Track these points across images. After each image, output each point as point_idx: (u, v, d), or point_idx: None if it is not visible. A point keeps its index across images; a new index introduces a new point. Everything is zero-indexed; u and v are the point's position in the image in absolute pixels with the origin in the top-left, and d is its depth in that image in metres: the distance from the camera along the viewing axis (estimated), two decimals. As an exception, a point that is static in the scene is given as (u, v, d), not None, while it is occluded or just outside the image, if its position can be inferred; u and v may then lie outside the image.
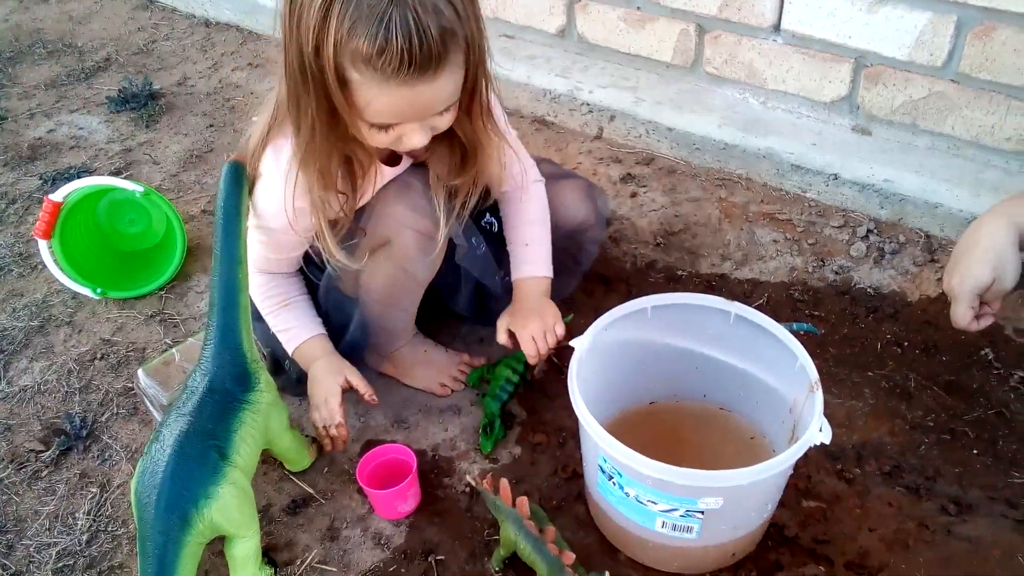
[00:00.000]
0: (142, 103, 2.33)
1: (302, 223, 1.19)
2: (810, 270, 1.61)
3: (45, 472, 1.38)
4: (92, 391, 1.51)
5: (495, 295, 1.43)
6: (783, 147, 1.79)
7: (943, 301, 1.23)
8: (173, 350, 1.39)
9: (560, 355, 1.48)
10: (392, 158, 1.24)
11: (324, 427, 1.29)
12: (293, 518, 1.28)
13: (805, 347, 1.13)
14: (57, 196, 1.61)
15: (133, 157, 2.14)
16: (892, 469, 1.26)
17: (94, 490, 1.34)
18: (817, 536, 1.18)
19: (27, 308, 1.70)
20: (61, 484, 1.36)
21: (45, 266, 1.70)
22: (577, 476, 1.28)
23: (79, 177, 2.03)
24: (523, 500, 1.14)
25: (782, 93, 1.87)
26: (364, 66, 0.95)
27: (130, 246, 1.81)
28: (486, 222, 1.43)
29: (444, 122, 1.09)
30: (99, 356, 1.57)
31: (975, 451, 1.27)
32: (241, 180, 1.18)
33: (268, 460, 1.34)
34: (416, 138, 1.07)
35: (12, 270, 1.80)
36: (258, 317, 1.34)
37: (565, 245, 1.46)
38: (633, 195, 1.84)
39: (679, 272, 1.64)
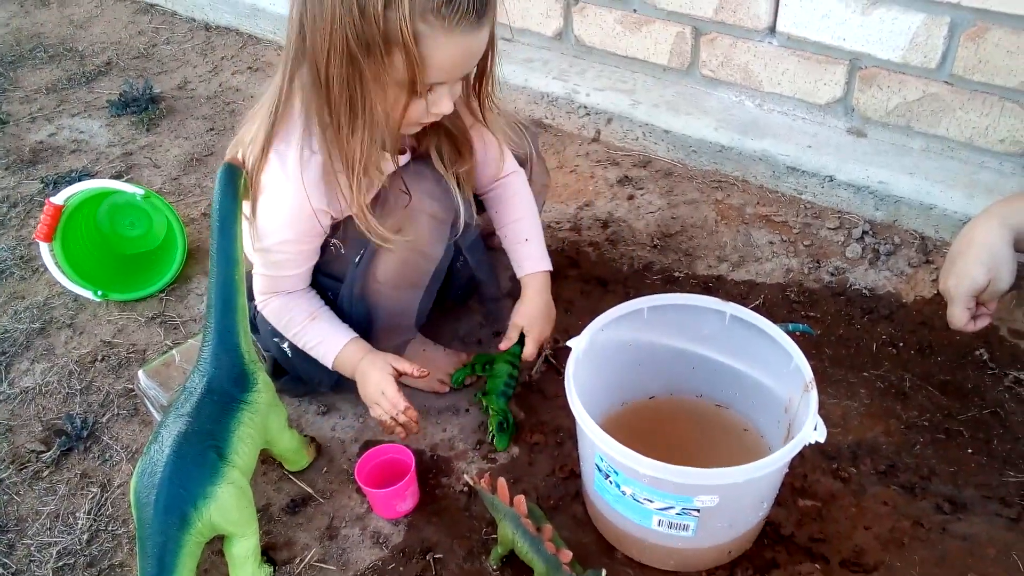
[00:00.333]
0: (143, 107, 2.34)
1: (324, 222, 1.22)
2: (806, 271, 1.62)
3: (46, 472, 1.39)
4: (93, 392, 1.52)
5: (483, 282, 1.48)
6: (779, 149, 1.80)
7: (938, 302, 1.24)
8: (173, 351, 1.40)
9: (557, 355, 1.50)
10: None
11: (392, 418, 1.27)
12: (292, 517, 1.29)
13: (801, 347, 1.14)
14: (58, 199, 1.63)
15: (134, 160, 2.16)
16: (887, 468, 1.26)
17: (95, 490, 1.35)
18: (813, 535, 1.19)
19: (28, 310, 1.71)
20: (62, 484, 1.37)
21: (46, 269, 1.72)
22: (574, 476, 1.29)
23: (80, 180, 2.04)
24: (520, 499, 1.14)
25: (777, 95, 1.88)
26: (433, 16, 1.00)
27: (131, 249, 1.82)
28: None
29: (459, 91, 1.16)
30: (100, 358, 1.59)
31: (970, 450, 1.28)
32: (236, 183, 1.18)
33: (267, 460, 1.35)
34: (445, 103, 1.12)
35: (14, 273, 1.81)
36: (274, 333, 1.35)
37: None
38: (630, 198, 1.85)
39: (676, 274, 1.65)
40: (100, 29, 2.88)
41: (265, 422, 1.20)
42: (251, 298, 1.33)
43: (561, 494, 1.28)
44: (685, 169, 1.92)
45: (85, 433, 1.43)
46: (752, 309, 1.21)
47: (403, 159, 1.27)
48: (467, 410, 1.43)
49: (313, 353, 1.31)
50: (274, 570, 1.21)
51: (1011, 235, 1.15)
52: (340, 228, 1.29)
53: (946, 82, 1.64)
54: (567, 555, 1.09)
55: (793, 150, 1.79)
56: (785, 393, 1.19)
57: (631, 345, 1.28)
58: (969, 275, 1.16)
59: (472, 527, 1.25)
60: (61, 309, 1.71)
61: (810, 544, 1.18)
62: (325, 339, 1.30)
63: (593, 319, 1.21)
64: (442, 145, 1.27)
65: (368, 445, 1.37)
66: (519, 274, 1.42)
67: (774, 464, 1.03)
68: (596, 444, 1.06)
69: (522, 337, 1.38)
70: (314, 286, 1.35)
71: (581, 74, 2.10)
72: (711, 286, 1.61)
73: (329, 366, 1.30)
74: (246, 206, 1.22)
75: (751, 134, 1.84)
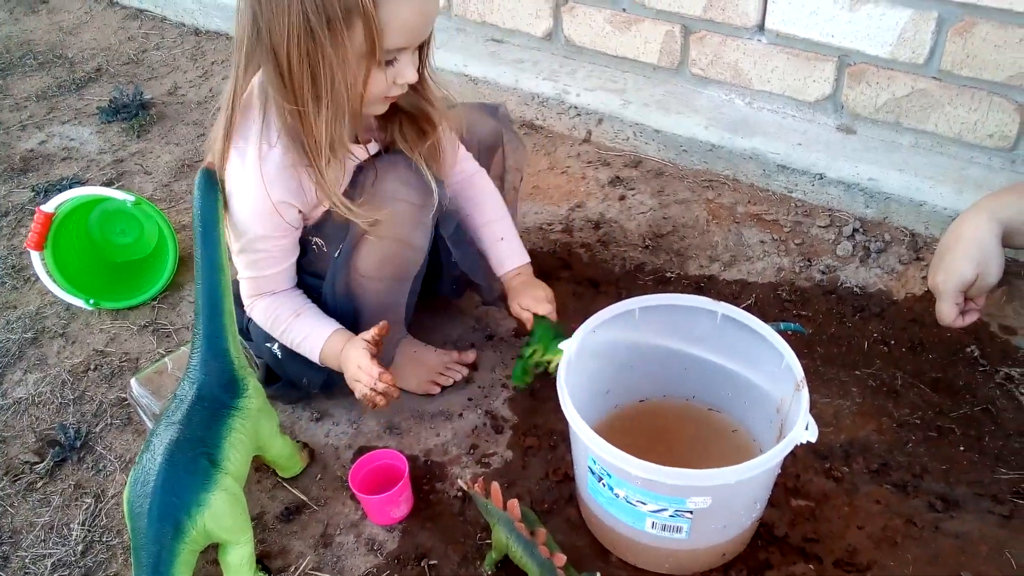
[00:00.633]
0: (133, 113, 2.34)
1: (289, 216, 1.22)
2: (797, 270, 1.62)
3: (40, 483, 1.39)
4: (86, 402, 1.52)
5: (479, 286, 1.50)
6: (769, 147, 1.80)
7: (928, 299, 1.24)
8: (166, 359, 1.40)
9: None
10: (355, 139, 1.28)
11: (371, 389, 1.24)
12: (287, 525, 1.29)
13: (792, 346, 1.14)
14: (49, 207, 1.62)
15: (125, 167, 2.15)
16: (880, 467, 1.27)
17: (88, 500, 1.35)
18: (806, 535, 1.19)
19: (20, 320, 1.71)
20: (56, 495, 1.37)
21: (38, 278, 1.71)
22: (568, 479, 1.30)
23: (71, 188, 2.04)
24: (514, 503, 1.14)
25: (767, 93, 1.88)
26: None
27: (122, 256, 1.82)
28: None
29: (417, 62, 1.17)
30: (92, 367, 1.58)
31: (962, 448, 1.29)
32: (215, 187, 1.19)
33: (261, 468, 1.35)
34: (410, 71, 1.14)
35: (5, 283, 1.81)
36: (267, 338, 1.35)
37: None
38: (622, 198, 1.85)
39: (668, 274, 1.65)
40: (90, 36, 2.88)
41: (256, 428, 1.20)
42: (240, 305, 1.34)
43: (555, 498, 1.28)
44: (676, 169, 1.92)
45: (78, 443, 1.43)
46: (744, 308, 1.22)
47: (371, 148, 1.28)
48: (460, 415, 1.43)
49: (301, 350, 1.32)
50: (269, 578, 1.21)
51: (999, 229, 1.14)
52: (320, 226, 1.29)
53: (934, 77, 1.64)
54: (561, 559, 1.09)
55: (783, 148, 1.79)
56: (777, 393, 1.19)
57: (623, 346, 1.28)
58: (957, 270, 1.15)
59: (466, 532, 1.25)
60: (53, 318, 1.71)
61: (803, 544, 1.18)
62: (310, 334, 1.30)
63: (585, 320, 1.21)
64: (404, 128, 1.29)
65: (362, 451, 1.37)
66: (500, 272, 1.44)
67: (765, 464, 1.03)
68: (588, 447, 1.06)
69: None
70: (301, 287, 1.36)
71: (571, 74, 2.10)
72: (703, 286, 1.61)
73: (317, 361, 1.31)
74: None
75: (741, 132, 1.84)
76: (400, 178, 1.26)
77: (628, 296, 1.39)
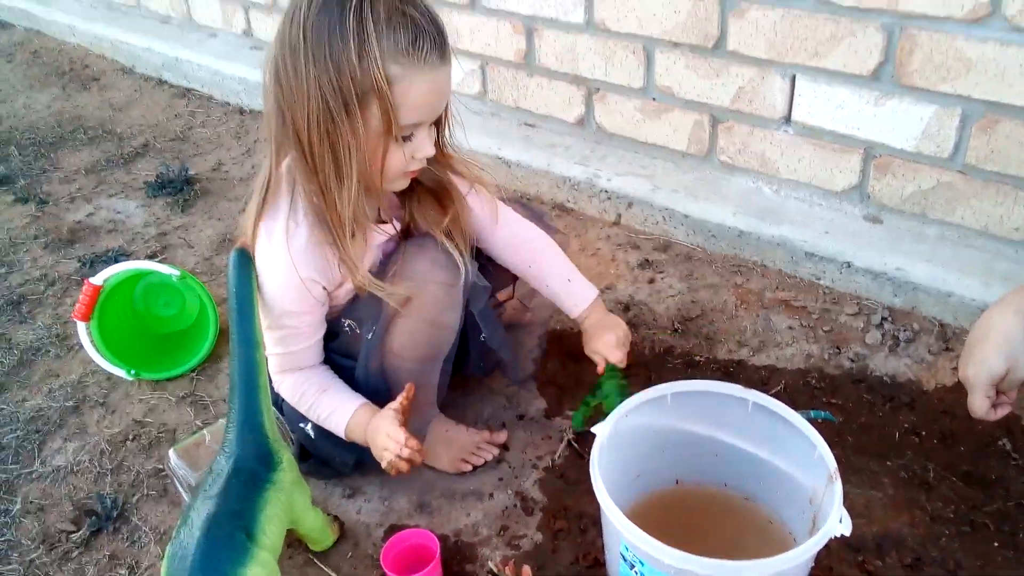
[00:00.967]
0: (178, 188, 2.43)
1: (315, 292, 1.27)
2: (826, 357, 1.64)
3: (75, 553, 1.41)
4: (123, 472, 1.55)
5: (506, 363, 1.54)
6: (796, 235, 1.84)
7: (959, 390, 1.25)
8: (204, 431, 1.43)
9: (580, 441, 1.51)
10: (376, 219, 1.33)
11: (396, 456, 1.25)
12: (317, 603, 1.30)
13: (823, 435, 1.15)
14: (97, 280, 1.68)
15: (168, 241, 2.22)
16: (913, 561, 1.26)
17: (123, 572, 1.36)
18: (839, 628, 1.18)
19: (63, 389, 1.75)
20: (91, 565, 1.38)
21: (81, 347, 1.76)
22: (599, 564, 1.30)
23: (116, 260, 2.11)
24: (545, 588, 1.15)
25: (794, 182, 1.93)
26: (403, 56, 1.10)
27: (164, 328, 1.87)
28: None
29: (434, 135, 1.24)
30: (131, 437, 1.62)
31: (996, 544, 1.27)
32: (249, 265, 1.24)
33: (292, 544, 1.36)
34: (428, 146, 1.20)
35: (49, 351, 1.86)
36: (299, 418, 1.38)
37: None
38: (651, 281, 1.89)
39: (697, 358, 1.67)
40: (138, 112, 3.00)
41: (291, 501, 1.22)
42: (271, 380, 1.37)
43: (585, 582, 1.28)
44: (704, 253, 1.96)
45: (115, 513, 1.45)
46: (773, 395, 1.23)
47: (387, 228, 1.33)
48: (491, 495, 1.44)
49: (327, 425, 1.34)
50: (299, 657, 1.21)
51: None
52: (351, 308, 1.33)
53: (959, 171, 1.68)
54: (592, 647, 1.09)
55: (811, 236, 1.83)
56: (809, 483, 1.19)
57: (654, 431, 1.29)
58: (987, 364, 1.17)
59: (496, 615, 1.25)
60: (94, 387, 1.75)
61: (837, 638, 1.17)
62: (337, 408, 1.33)
63: (617, 406, 1.23)
64: (424, 205, 1.34)
65: (393, 529, 1.38)
66: (573, 315, 1.48)
67: (800, 558, 1.03)
68: (622, 533, 1.07)
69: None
70: (334, 369, 1.39)
71: (602, 159, 2.17)
72: (732, 371, 1.63)
73: (343, 435, 1.33)
74: None
75: (769, 220, 1.88)
76: (430, 258, 1.30)
77: (657, 379, 1.41)
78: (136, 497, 1.49)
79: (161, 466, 1.54)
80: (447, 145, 1.32)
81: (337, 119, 1.12)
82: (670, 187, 2.03)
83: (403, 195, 1.32)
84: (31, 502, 1.51)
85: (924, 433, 1.46)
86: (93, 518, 1.45)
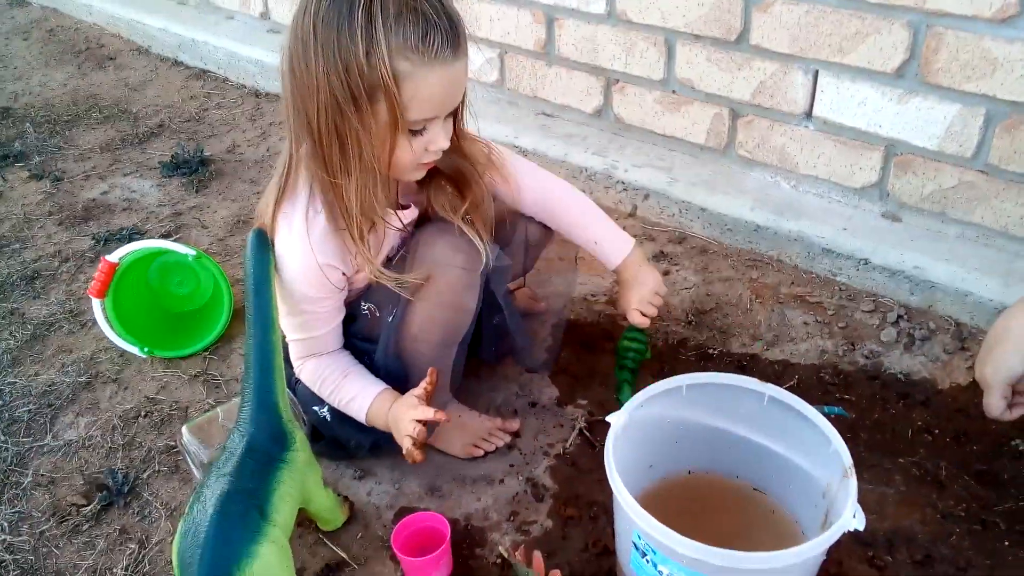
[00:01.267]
0: (193, 169, 2.43)
1: (334, 277, 1.27)
2: (840, 353, 1.63)
3: (86, 526, 1.41)
4: (135, 448, 1.55)
5: (521, 350, 1.55)
6: (814, 231, 1.83)
7: (974, 390, 1.25)
8: (217, 409, 1.43)
9: (592, 429, 1.51)
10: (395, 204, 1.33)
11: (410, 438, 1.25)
12: (326, 582, 1.30)
13: (836, 431, 1.15)
14: (113, 257, 1.68)
15: (183, 221, 2.23)
16: (923, 558, 1.26)
17: (133, 546, 1.37)
18: (848, 623, 1.18)
19: (75, 364, 1.76)
20: (101, 539, 1.39)
21: (94, 324, 1.77)
22: (608, 552, 1.30)
23: (131, 238, 2.12)
24: (556, 574, 1.15)
25: (813, 178, 1.92)
26: (413, 52, 1.08)
27: (178, 307, 1.87)
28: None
29: (451, 128, 1.22)
30: (143, 414, 1.62)
31: (1007, 543, 1.27)
32: (266, 247, 1.25)
33: (302, 523, 1.36)
34: (441, 139, 1.19)
35: (63, 327, 1.87)
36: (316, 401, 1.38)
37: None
38: (666, 273, 1.88)
39: (710, 351, 1.67)
40: (154, 93, 3.00)
41: (303, 480, 1.23)
42: (288, 363, 1.37)
43: (594, 570, 1.28)
44: (720, 247, 1.95)
45: (126, 488, 1.46)
46: (787, 389, 1.23)
47: (406, 214, 1.33)
48: (502, 481, 1.44)
49: (348, 410, 1.34)
50: (308, 635, 1.21)
51: None
52: (370, 292, 1.33)
53: (981, 171, 1.67)
54: (602, 634, 1.09)
55: (828, 232, 1.82)
56: (823, 477, 1.19)
57: (669, 422, 1.29)
58: (1006, 364, 1.17)
59: (505, 600, 1.25)
60: (107, 364, 1.75)
61: (846, 633, 1.17)
62: (358, 394, 1.33)
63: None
64: (444, 192, 1.33)
65: (403, 512, 1.38)
66: (609, 268, 1.49)
67: (813, 551, 1.02)
68: (635, 522, 1.07)
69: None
70: (353, 353, 1.39)
71: (620, 150, 2.16)
72: (745, 364, 1.63)
73: (364, 421, 1.33)
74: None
75: (787, 215, 1.88)
76: (448, 242, 1.31)
77: (670, 371, 1.42)
78: (147, 473, 1.50)
79: (173, 443, 1.54)
80: (463, 133, 1.31)
81: (346, 112, 1.11)
82: (687, 180, 2.03)
83: (422, 181, 1.32)
84: (42, 475, 1.51)
85: (937, 431, 1.45)
86: (104, 492, 1.45)
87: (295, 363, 1.36)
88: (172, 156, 2.47)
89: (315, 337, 1.33)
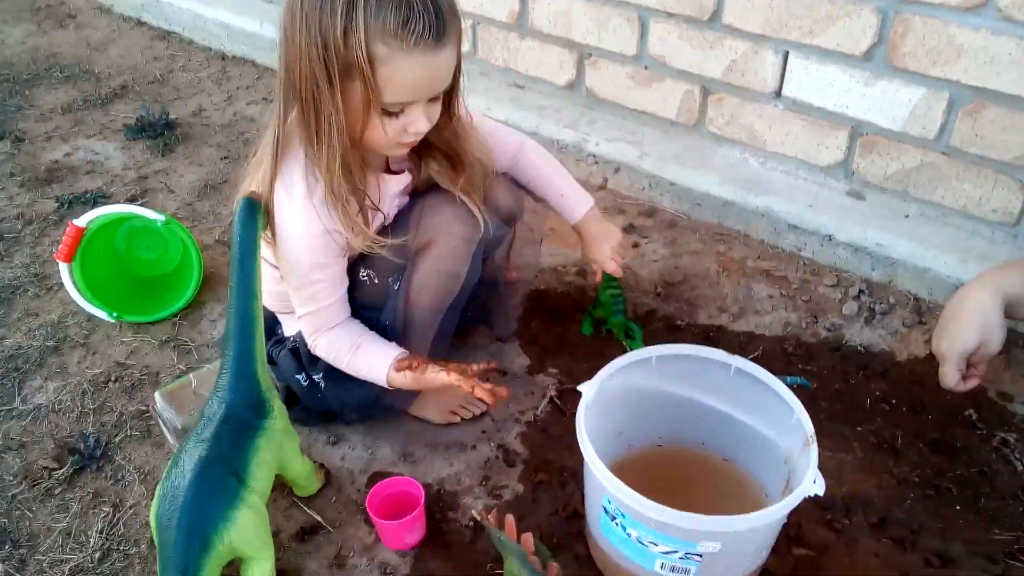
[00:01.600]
0: (158, 132, 2.39)
1: (340, 241, 1.28)
2: (804, 326, 1.68)
3: (59, 490, 1.41)
4: (106, 412, 1.55)
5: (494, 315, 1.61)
6: (781, 207, 1.87)
7: (930, 362, 1.30)
8: (190, 376, 1.44)
9: (562, 397, 1.55)
10: (387, 169, 1.34)
11: (468, 387, 1.26)
12: (301, 545, 1.32)
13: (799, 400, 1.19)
14: (81, 221, 1.66)
15: (149, 185, 2.20)
16: (879, 521, 1.31)
17: (107, 509, 1.37)
18: (807, 583, 1.23)
19: (42, 328, 1.74)
20: (74, 502, 1.39)
21: (60, 287, 1.75)
22: (577, 516, 1.33)
23: (95, 201, 2.09)
24: (527, 536, 1.18)
25: (781, 155, 1.96)
26: (391, 38, 1.08)
27: (146, 272, 1.86)
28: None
29: (436, 110, 1.22)
30: (113, 378, 1.61)
31: (958, 507, 1.33)
32: (256, 216, 1.23)
33: (277, 488, 1.37)
34: (421, 122, 1.19)
35: (28, 290, 1.84)
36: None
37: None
38: (635, 245, 1.91)
39: (678, 322, 1.70)
40: (117, 52, 2.94)
41: (280, 448, 1.24)
42: (269, 334, 1.38)
43: (564, 533, 1.32)
44: (689, 221, 1.99)
45: (98, 453, 1.46)
46: (751, 360, 1.27)
47: (400, 179, 1.34)
48: (474, 447, 1.47)
49: (368, 378, 1.34)
50: (285, 596, 1.23)
51: (1002, 301, 1.22)
52: (367, 258, 1.34)
53: (943, 153, 1.72)
54: (573, 593, 1.12)
55: (794, 208, 1.86)
56: (785, 445, 1.23)
57: (639, 391, 1.32)
58: (961, 338, 1.22)
59: (477, 561, 1.28)
60: (75, 328, 1.74)
61: (804, 592, 1.22)
62: (374, 363, 1.32)
63: (597, 361, 1.26)
64: (440, 165, 1.35)
65: (377, 477, 1.41)
66: (570, 223, 1.55)
67: (775, 514, 1.07)
68: (606, 487, 1.10)
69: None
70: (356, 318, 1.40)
71: (591, 124, 2.18)
72: (712, 336, 1.67)
73: (386, 386, 1.33)
74: (265, 250, 1.28)
75: (754, 191, 1.91)
76: (454, 212, 1.33)
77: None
78: (119, 437, 1.50)
79: (144, 407, 1.54)
80: (458, 119, 1.31)
81: (322, 86, 1.12)
82: (658, 154, 2.05)
83: (419, 151, 1.32)
84: (12, 439, 1.51)
85: (895, 401, 1.51)
86: (76, 456, 1.45)
87: (308, 340, 1.36)
88: (137, 119, 2.43)
89: (325, 307, 1.32)
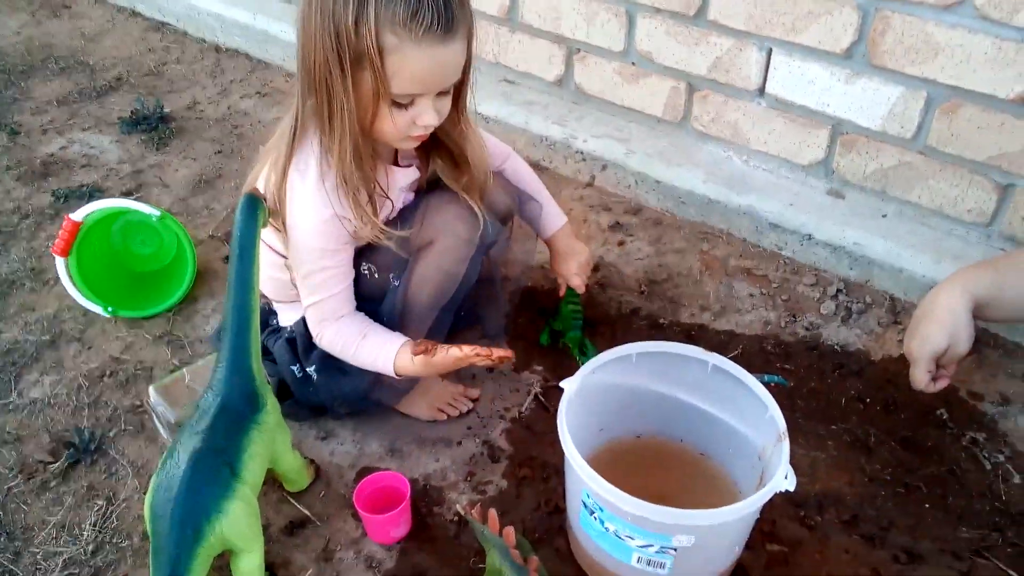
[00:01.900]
0: (153, 125, 2.41)
1: (348, 229, 1.30)
2: (783, 325, 1.72)
3: (53, 483, 1.45)
4: (100, 407, 1.58)
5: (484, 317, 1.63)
6: (762, 205, 1.90)
7: (904, 362, 1.33)
8: (183, 370, 1.48)
9: (546, 394, 1.58)
10: (396, 162, 1.37)
11: (485, 355, 1.28)
12: (290, 538, 1.36)
13: (775, 398, 1.23)
14: (77, 216, 1.69)
15: (144, 179, 2.22)
16: (850, 518, 1.36)
17: (100, 502, 1.41)
18: (779, 577, 1.28)
19: (39, 322, 1.77)
20: (69, 495, 1.43)
21: (56, 281, 1.78)
22: (559, 511, 1.37)
23: (91, 196, 2.12)
24: (509, 530, 1.22)
25: (763, 154, 1.99)
26: (401, 28, 1.10)
27: (141, 267, 1.89)
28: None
29: (446, 106, 1.24)
30: (108, 373, 1.65)
31: (927, 505, 1.38)
32: (256, 212, 1.26)
33: (267, 482, 1.41)
34: (429, 115, 1.20)
35: (24, 284, 1.87)
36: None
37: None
38: (620, 243, 1.95)
39: (661, 320, 1.74)
40: (111, 43, 2.95)
41: (273, 442, 1.28)
42: (263, 324, 1.41)
43: (546, 527, 1.36)
44: (674, 219, 2.02)
45: (93, 446, 1.49)
46: (731, 358, 1.30)
47: (408, 172, 1.37)
48: (459, 443, 1.51)
49: (374, 368, 1.35)
50: (274, 587, 1.28)
51: (971, 302, 1.25)
52: (369, 252, 1.37)
53: (920, 152, 1.75)
54: (551, 586, 1.17)
55: (776, 207, 1.89)
56: (760, 441, 1.27)
57: (619, 388, 1.36)
58: (931, 338, 1.25)
59: (461, 555, 1.32)
60: (71, 323, 1.77)
61: (776, 586, 1.26)
62: (380, 352, 1.34)
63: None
64: (445, 161, 1.38)
65: (365, 472, 1.44)
66: (543, 237, 1.62)
67: (747, 508, 1.11)
68: (584, 481, 1.14)
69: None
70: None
71: (579, 120, 2.20)
72: (693, 334, 1.71)
73: (393, 375, 1.34)
74: (271, 237, 1.30)
75: (737, 189, 1.95)
76: (457, 213, 1.36)
77: (622, 339, 1.49)
78: (113, 431, 1.53)
79: (139, 402, 1.58)
80: (465, 119, 1.34)
81: (334, 74, 1.15)
82: (644, 151, 2.08)
83: (426, 148, 1.35)
84: (8, 432, 1.54)
85: (869, 400, 1.55)
86: (71, 450, 1.49)
87: (313, 331, 1.38)
88: (132, 112, 2.45)
89: (332, 296, 1.34)
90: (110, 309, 1.75)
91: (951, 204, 1.76)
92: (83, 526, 1.38)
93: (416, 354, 1.31)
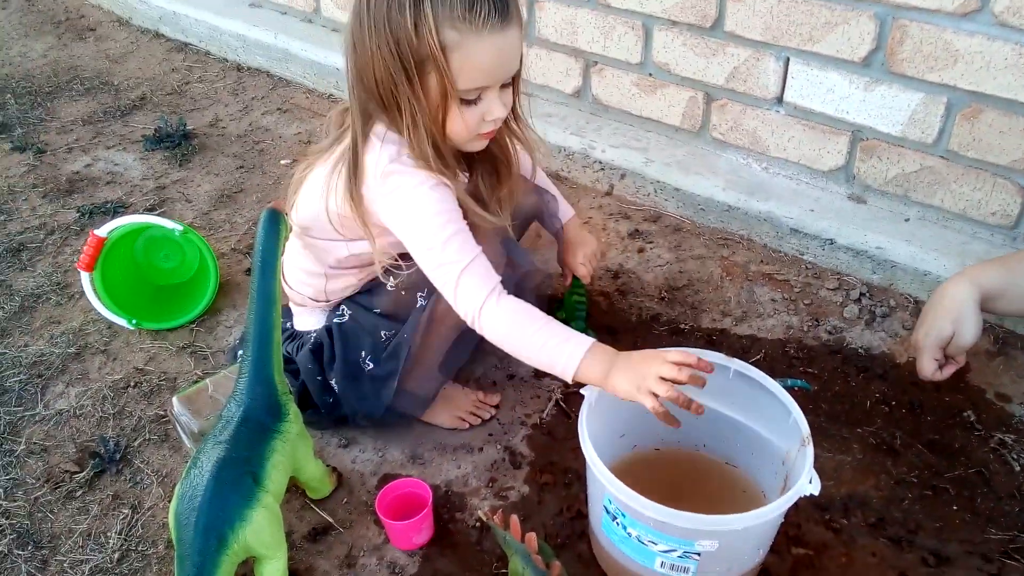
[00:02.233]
0: (176, 143, 2.45)
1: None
2: (805, 329, 1.71)
3: (79, 492, 1.46)
4: (125, 417, 1.60)
5: None
6: (783, 211, 1.90)
7: (929, 364, 1.34)
8: (207, 381, 1.49)
9: (567, 400, 1.58)
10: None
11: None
12: (313, 545, 1.36)
13: (798, 402, 1.22)
14: (102, 232, 1.72)
15: (167, 194, 2.26)
16: (877, 521, 1.34)
17: (126, 511, 1.42)
18: (805, 582, 1.26)
19: (64, 335, 1.79)
20: (94, 504, 1.44)
21: (82, 295, 1.81)
22: (581, 516, 1.37)
23: (115, 211, 2.15)
24: (531, 536, 1.21)
25: (783, 160, 1.99)
26: (460, 22, 1.11)
27: (164, 280, 1.91)
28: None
29: (509, 98, 1.26)
30: (132, 384, 1.67)
31: (955, 507, 1.36)
32: (279, 226, 1.29)
33: (290, 489, 1.42)
34: (497, 107, 1.22)
35: (50, 298, 1.90)
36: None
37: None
38: (640, 250, 1.95)
39: (682, 326, 1.74)
40: (135, 65, 3.01)
41: (295, 450, 1.28)
42: (286, 338, 1.42)
43: (568, 533, 1.35)
44: (693, 226, 2.02)
45: (118, 456, 1.51)
46: (753, 363, 1.30)
47: (461, 180, 1.37)
48: (481, 449, 1.51)
49: (547, 352, 1.20)
50: (296, 594, 1.28)
51: (978, 294, 1.27)
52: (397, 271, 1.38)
53: (942, 157, 1.74)
54: (574, 591, 1.16)
55: (796, 213, 1.89)
56: (783, 446, 1.26)
57: (639, 394, 1.35)
58: (936, 328, 1.28)
59: (483, 561, 1.32)
60: (96, 335, 1.79)
61: (802, 590, 1.25)
62: (567, 340, 1.20)
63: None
64: (486, 173, 1.38)
65: (387, 478, 1.45)
66: (551, 230, 1.66)
67: (771, 513, 1.10)
68: (606, 487, 1.14)
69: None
70: (366, 323, 1.43)
71: (597, 131, 2.21)
72: (715, 339, 1.70)
73: (573, 368, 1.19)
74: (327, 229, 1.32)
75: (757, 196, 1.94)
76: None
77: (643, 345, 1.48)
78: (138, 441, 1.55)
79: (162, 412, 1.59)
80: (520, 114, 1.34)
81: (400, 85, 1.17)
82: (662, 160, 2.08)
83: (470, 154, 1.35)
84: (35, 443, 1.56)
85: (894, 403, 1.53)
86: (96, 460, 1.50)
87: (475, 309, 1.22)
88: (155, 130, 2.49)
89: (478, 256, 1.24)
90: (134, 322, 1.77)
91: (975, 207, 1.75)
92: (109, 534, 1.39)
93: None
